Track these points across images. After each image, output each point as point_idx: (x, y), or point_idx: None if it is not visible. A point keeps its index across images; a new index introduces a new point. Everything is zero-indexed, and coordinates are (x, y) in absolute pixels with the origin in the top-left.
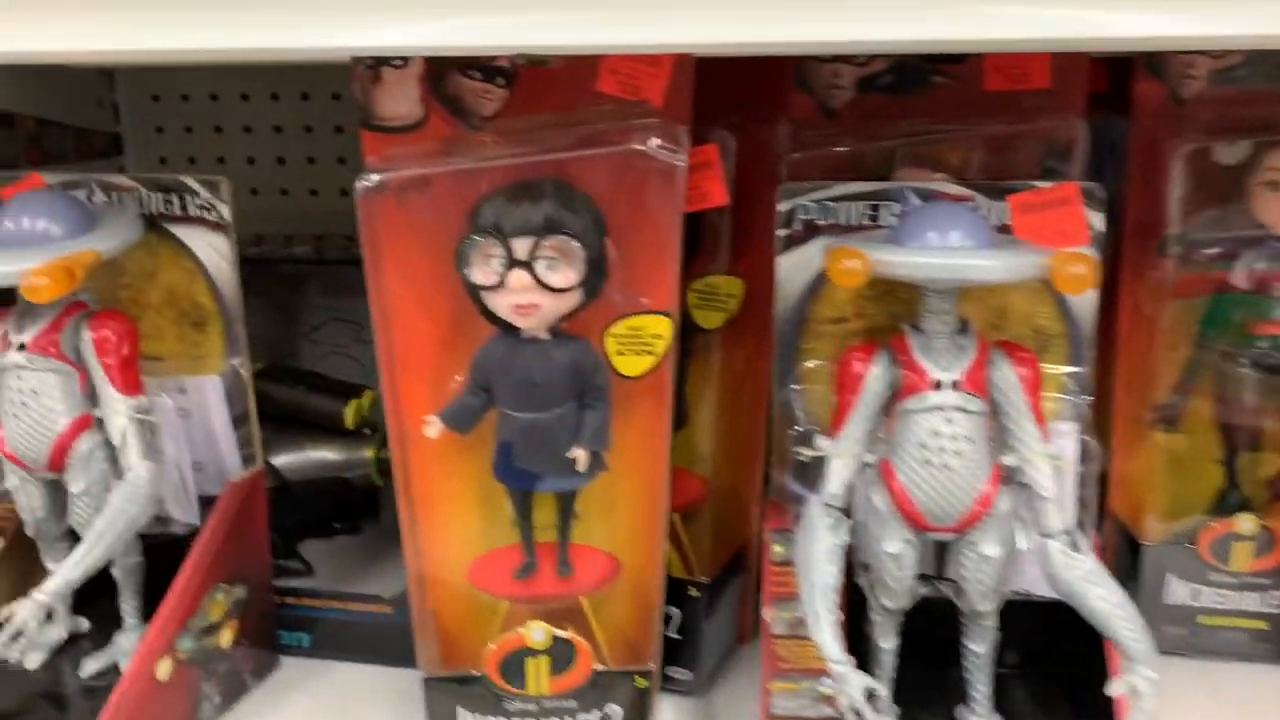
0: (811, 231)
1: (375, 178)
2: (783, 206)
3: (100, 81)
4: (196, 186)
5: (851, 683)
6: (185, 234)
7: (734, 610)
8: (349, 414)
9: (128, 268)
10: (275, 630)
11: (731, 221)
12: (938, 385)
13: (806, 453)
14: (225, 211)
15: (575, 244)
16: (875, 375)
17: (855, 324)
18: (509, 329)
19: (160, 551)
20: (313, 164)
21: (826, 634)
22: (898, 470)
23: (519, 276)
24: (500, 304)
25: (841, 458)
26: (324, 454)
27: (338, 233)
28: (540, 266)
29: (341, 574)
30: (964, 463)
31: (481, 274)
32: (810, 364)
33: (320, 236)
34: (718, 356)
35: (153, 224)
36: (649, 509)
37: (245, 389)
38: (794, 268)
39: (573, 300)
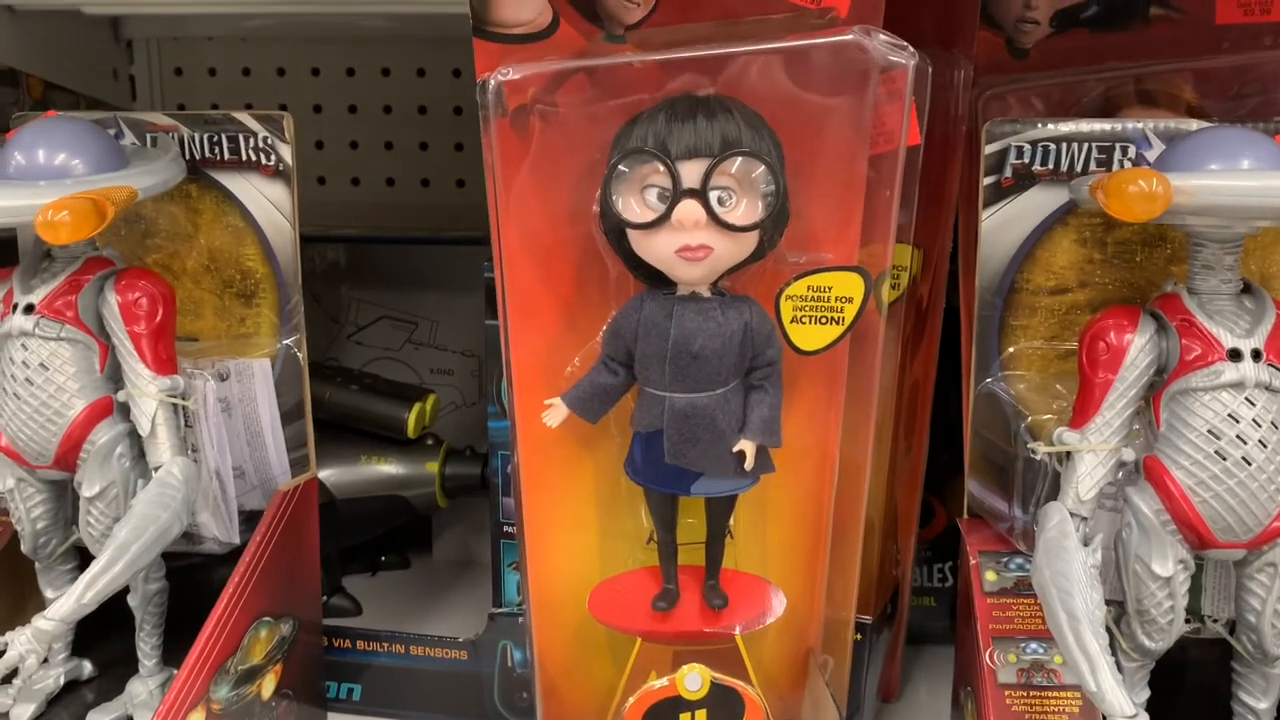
0: (1025, 179)
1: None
2: (991, 148)
3: (116, 50)
4: (253, 124)
5: None
6: (234, 183)
7: (882, 662)
8: (411, 420)
9: (159, 225)
10: (322, 680)
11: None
12: (1234, 355)
13: (1042, 449)
14: (287, 154)
15: (761, 169)
16: (1140, 347)
17: (1080, 294)
18: (659, 285)
19: (185, 577)
20: (355, 149)
21: (1108, 680)
22: (1173, 468)
23: (689, 209)
24: (658, 247)
25: (1095, 452)
26: (380, 468)
27: (381, 232)
28: (715, 198)
29: (392, 614)
30: (1270, 456)
31: (636, 208)
32: (1022, 346)
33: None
34: (873, 344)
35: (194, 171)
36: (811, 525)
37: (300, 375)
38: (1002, 225)
39: (749, 245)
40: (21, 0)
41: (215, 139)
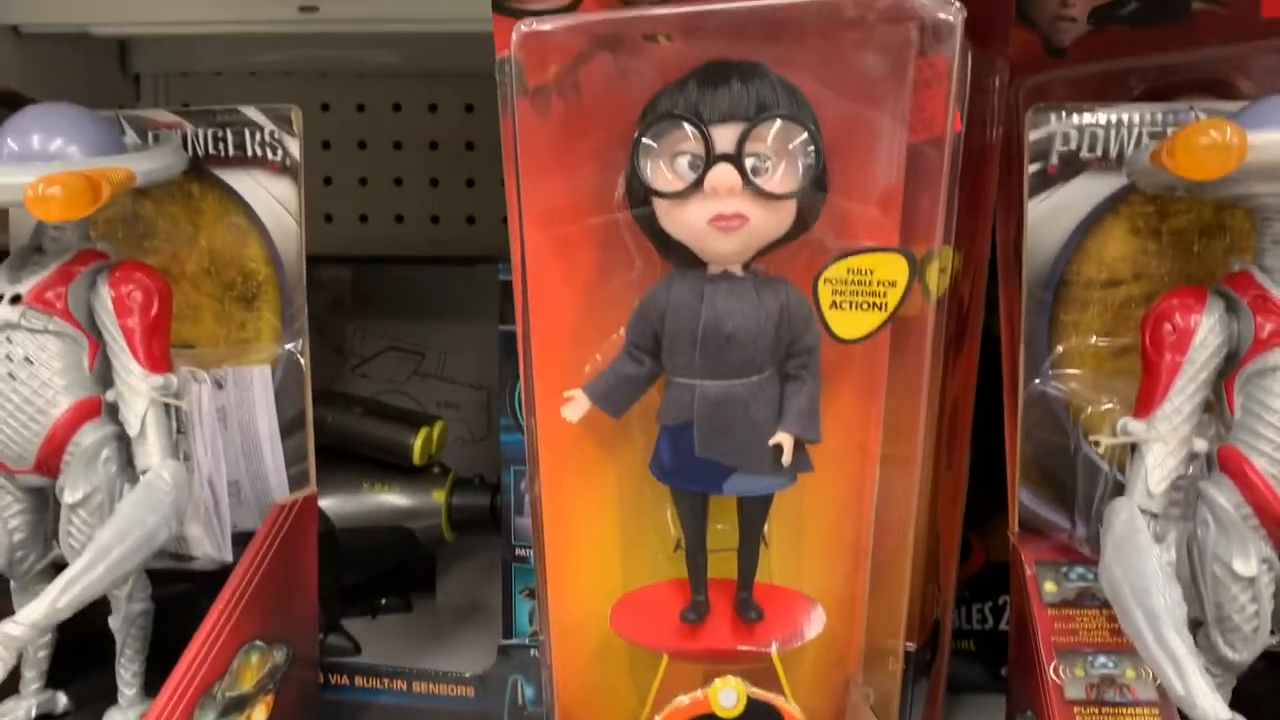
0: (1072, 166)
1: (513, 75)
2: (1035, 134)
3: (123, 84)
4: (260, 119)
5: None
6: (239, 181)
7: (925, 696)
8: (418, 445)
9: (158, 226)
10: (318, 717)
11: None
12: None
13: (1105, 440)
14: (294, 149)
15: (800, 133)
16: (1209, 327)
17: (1135, 287)
18: (689, 264)
19: (173, 602)
20: (364, 185)
21: (1197, 681)
22: (1254, 456)
23: (723, 173)
24: (690, 218)
25: (1165, 442)
26: (384, 497)
27: None
28: (750, 164)
29: (392, 653)
30: None
31: (668, 175)
32: (1075, 342)
33: None
34: (920, 336)
35: (197, 169)
36: (850, 536)
37: (303, 382)
38: (1049, 215)
39: (787, 217)
40: (27, 20)
41: (220, 135)
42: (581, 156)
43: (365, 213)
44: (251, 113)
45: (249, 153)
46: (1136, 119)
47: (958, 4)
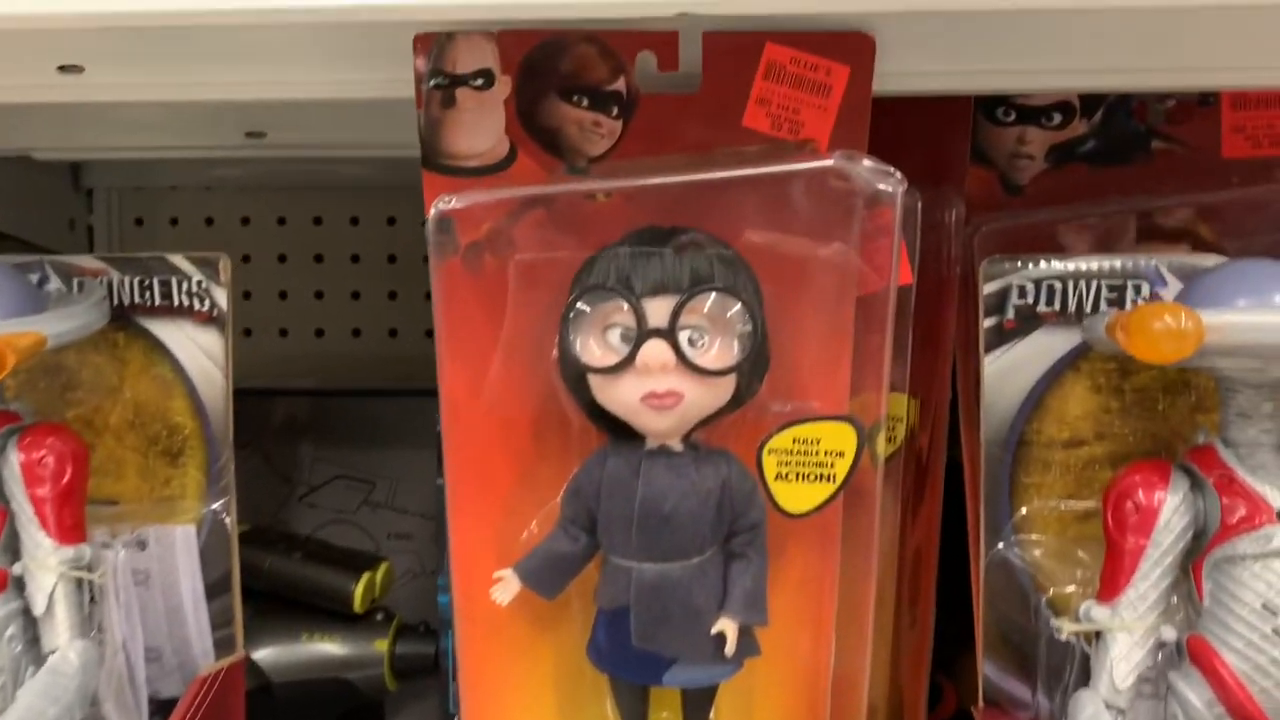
0: (1030, 321)
1: (443, 233)
2: (990, 287)
3: (74, 199)
4: (187, 267)
5: None
6: (165, 331)
7: None
8: (359, 593)
9: (81, 377)
10: None
11: None
12: None
13: (1067, 628)
14: (222, 299)
15: (736, 306)
16: (1174, 507)
17: (1098, 447)
18: (625, 437)
19: None
20: (320, 299)
21: None
22: (1224, 650)
23: (656, 350)
24: (623, 395)
25: (1130, 631)
26: (323, 646)
27: (345, 384)
28: (685, 338)
29: None
30: None
31: (597, 350)
32: (1037, 505)
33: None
34: (869, 505)
35: (122, 318)
36: (806, 712)
37: (228, 544)
38: (1007, 371)
39: (724, 392)
40: None
41: (146, 283)
42: (515, 316)
43: (322, 327)
44: (178, 261)
45: (175, 302)
46: (1095, 268)
47: (897, 175)
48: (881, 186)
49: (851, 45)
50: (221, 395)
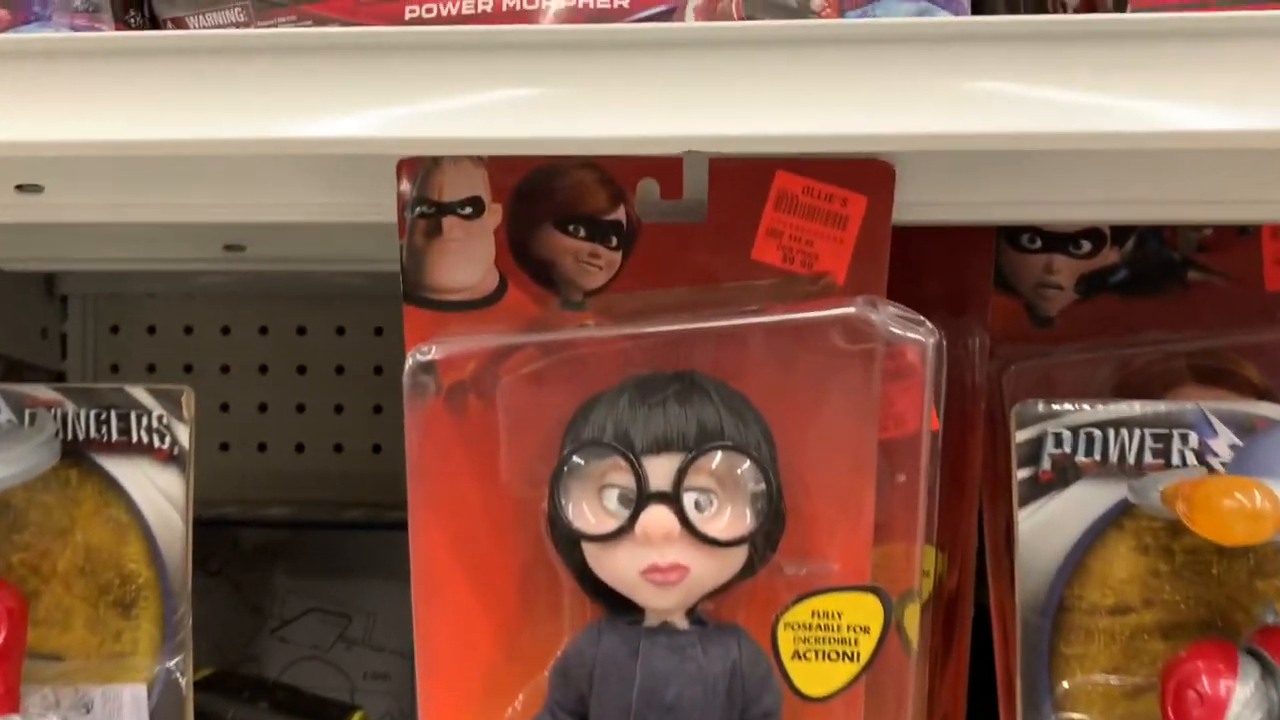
0: (1068, 472)
1: (424, 354)
2: (1023, 434)
3: (48, 306)
4: (147, 401)
5: None
6: (122, 469)
7: None
8: None
9: (29, 517)
10: None
11: None
12: None
13: None
14: (184, 437)
15: (748, 466)
16: (1243, 701)
17: (1146, 615)
18: (622, 610)
19: None
20: (302, 412)
21: None
22: None
23: (658, 517)
24: (620, 566)
25: None
26: None
27: (326, 499)
28: (691, 502)
29: None
30: None
31: (591, 515)
32: (1079, 680)
33: (302, 503)
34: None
35: (76, 454)
36: None
37: (182, 707)
38: (1044, 528)
39: (735, 563)
40: None
41: (103, 416)
42: (501, 464)
43: (302, 441)
44: (139, 393)
45: (134, 438)
46: (1138, 413)
47: (927, 324)
48: (912, 337)
49: (869, 174)
50: (180, 541)
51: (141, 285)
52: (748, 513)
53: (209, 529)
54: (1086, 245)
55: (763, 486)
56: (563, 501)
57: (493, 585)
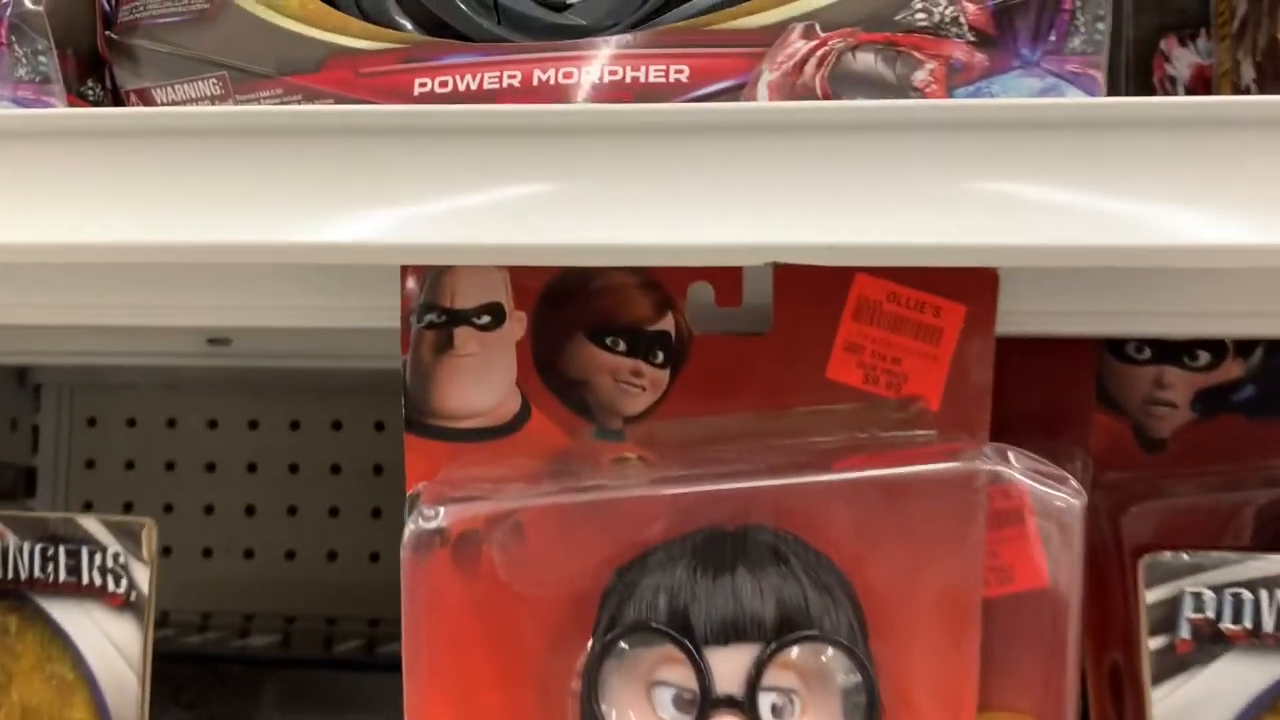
0: (1213, 644)
1: (429, 520)
2: (1154, 595)
3: (21, 395)
4: (102, 535)
5: None
6: (69, 616)
7: None
8: None
9: None
10: None
11: None
12: None
13: None
14: (142, 579)
15: (843, 661)
16: None
17: None
18: None
19: None
20: (294, 515)
21: None
22: None
23: None
24: None
25: None
26: None
27: (318, 614)
28: (767, 706)
29: None
30: None
31: None
32: None
33: (292, 619)
34: None
35: (16, 596)
36: None
37: None
38: (1186, 712)
39: None
40: None
41: (50, 553)
42: (522, 635)
43: (293, 548)
44: (92, 526)
45: (84, 579)
46: None
47: (1073, 482)
48: (1057, 504)
49: (968, 280)
50: (134, 704)
51: (120, 376)
52: (845, 713)
53: (188, 662)
54: (1204, 356)
55: (857, 677)
56: (600, 702)
57: None
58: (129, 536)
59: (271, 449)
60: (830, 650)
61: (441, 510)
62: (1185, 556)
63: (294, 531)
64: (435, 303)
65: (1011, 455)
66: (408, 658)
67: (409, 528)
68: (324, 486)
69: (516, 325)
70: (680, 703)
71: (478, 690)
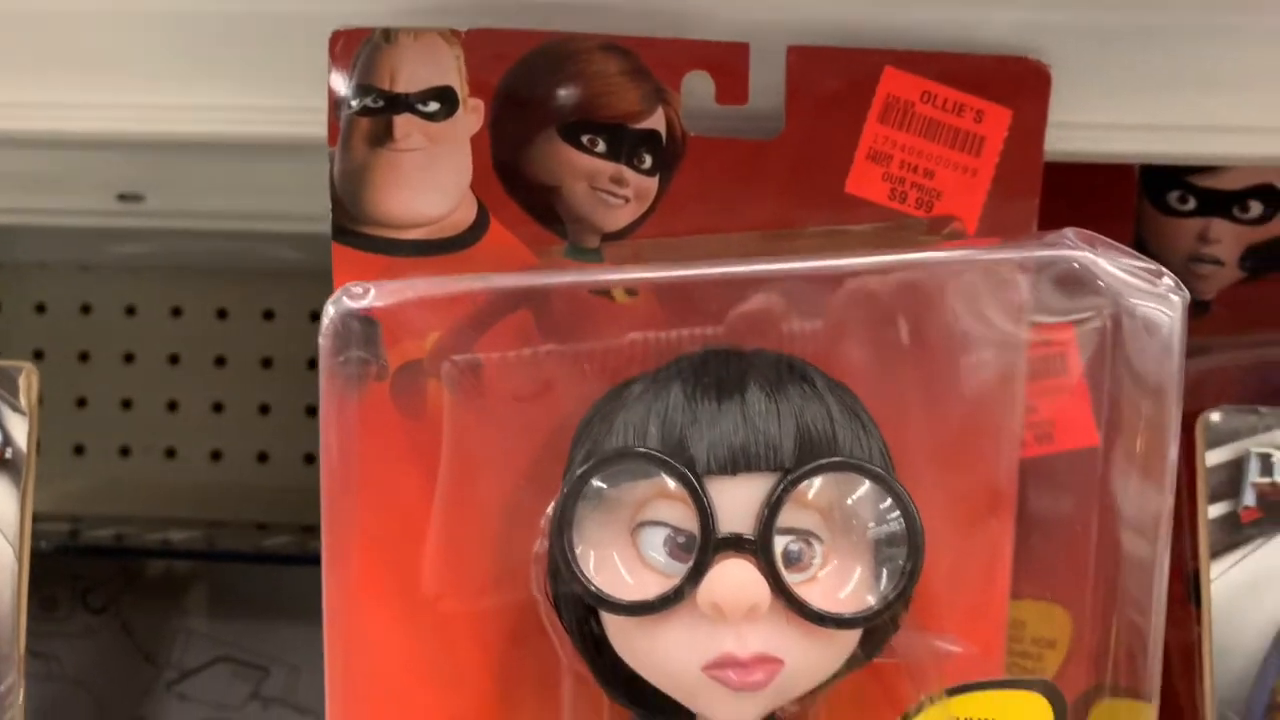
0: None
1: (355, 342)
2: (1215, 456)
3: None
4: None
5: None
6: None
7: None
8: None
9: None
10: None
11: None
12: None
13: None
14: (20, 433)
15: (876, 503)
16: None
17: None
18: (664, 712)
19: None
20: (219, 411)
21: None
22: None
23: (736, 579)
24: (671, 654)
25: None
26: None
27: (246, 520)
28: (782, 550)
29: None
30: None
31: (624, 570)
32: None
33: (217, 523)
34: None
35: None
36: None
37: None
38: (1248, 589)
39: (846, 647)
40: None
41: None
42: (476, 487)
43: (219, 448)
44: None
45: None
46: None
47: (1174, 279)
48: (1155, 309)
49: (1016, 77)
50: (9, 580)
51: (29, 252)
52: (876, 571)
53: (94, 555)
54: (1256, 207)
55: (899, 526)
56: (573, 547)
57: (460, 668)
58: (5, 382)
59: (196, 339)
60: (864, 487)
61: (371, 289)
62: (1255, 414)
63: (220, 430)
64: (370, 84)
65: (1101, 245)
66: (328, 519)
67: (326, 318)
68: (253, 381)
69: (472, 116)
70: (673, 545)
71: (416, 559)
